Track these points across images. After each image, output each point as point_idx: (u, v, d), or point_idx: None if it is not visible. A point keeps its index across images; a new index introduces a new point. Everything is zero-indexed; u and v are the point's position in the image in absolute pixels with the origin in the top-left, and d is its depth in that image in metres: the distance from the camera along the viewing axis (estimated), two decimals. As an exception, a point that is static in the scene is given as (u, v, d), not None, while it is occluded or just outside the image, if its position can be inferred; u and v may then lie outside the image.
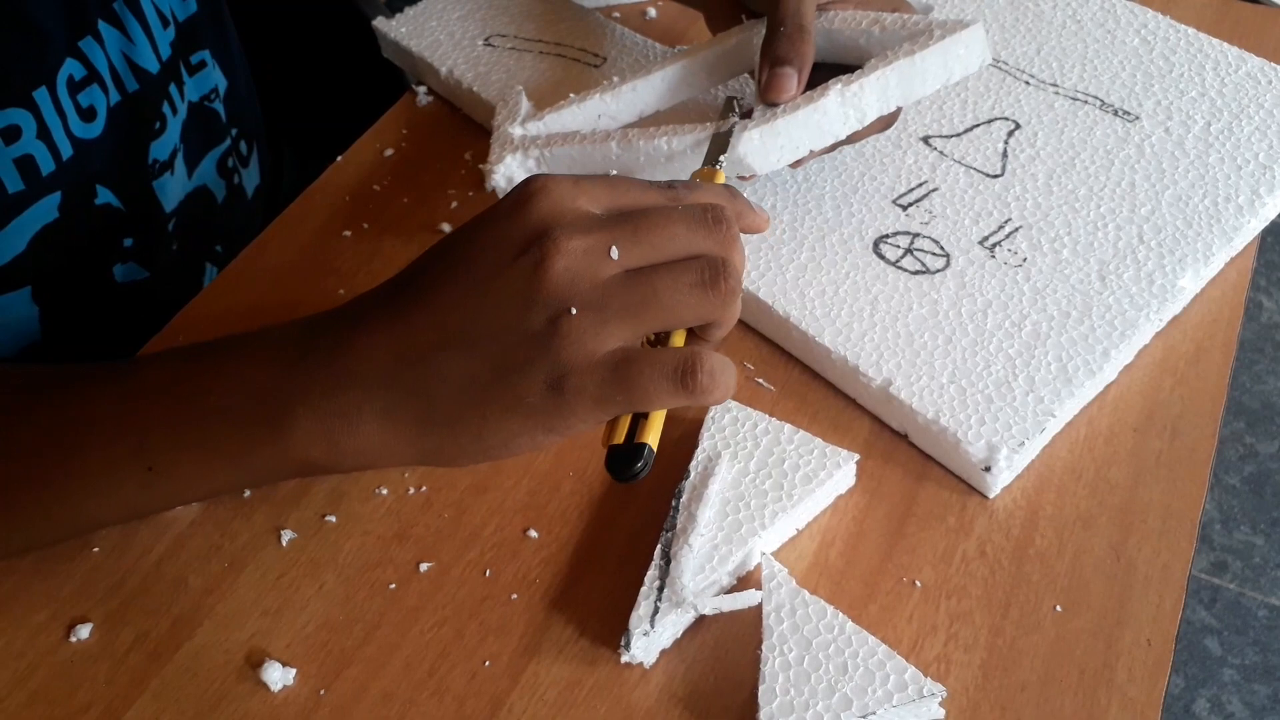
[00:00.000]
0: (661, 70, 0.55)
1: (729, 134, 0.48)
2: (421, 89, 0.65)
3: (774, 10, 0.49)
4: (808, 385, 0.50)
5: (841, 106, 0.49)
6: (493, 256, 0.35)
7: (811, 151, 0.50)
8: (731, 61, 0.56)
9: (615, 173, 0.51)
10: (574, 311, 0.34)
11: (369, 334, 0.36)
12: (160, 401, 0.38)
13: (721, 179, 0.45)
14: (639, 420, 0.36)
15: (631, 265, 0.35)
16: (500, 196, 0.49)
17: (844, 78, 0.49)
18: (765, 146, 0.48)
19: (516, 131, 0.56)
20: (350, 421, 0.35)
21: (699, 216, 0.36)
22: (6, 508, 0.40)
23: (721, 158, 0.47)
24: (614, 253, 0.35)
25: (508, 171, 0.54)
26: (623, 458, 0.35)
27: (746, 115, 0.50)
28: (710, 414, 0.46)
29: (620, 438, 0.35)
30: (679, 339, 0.37)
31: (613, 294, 0.34)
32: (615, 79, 0.56)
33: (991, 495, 0.45)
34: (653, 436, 0.35)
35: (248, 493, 0.46)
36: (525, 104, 0.58)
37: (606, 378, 0.34)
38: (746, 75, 0.57)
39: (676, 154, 0.50)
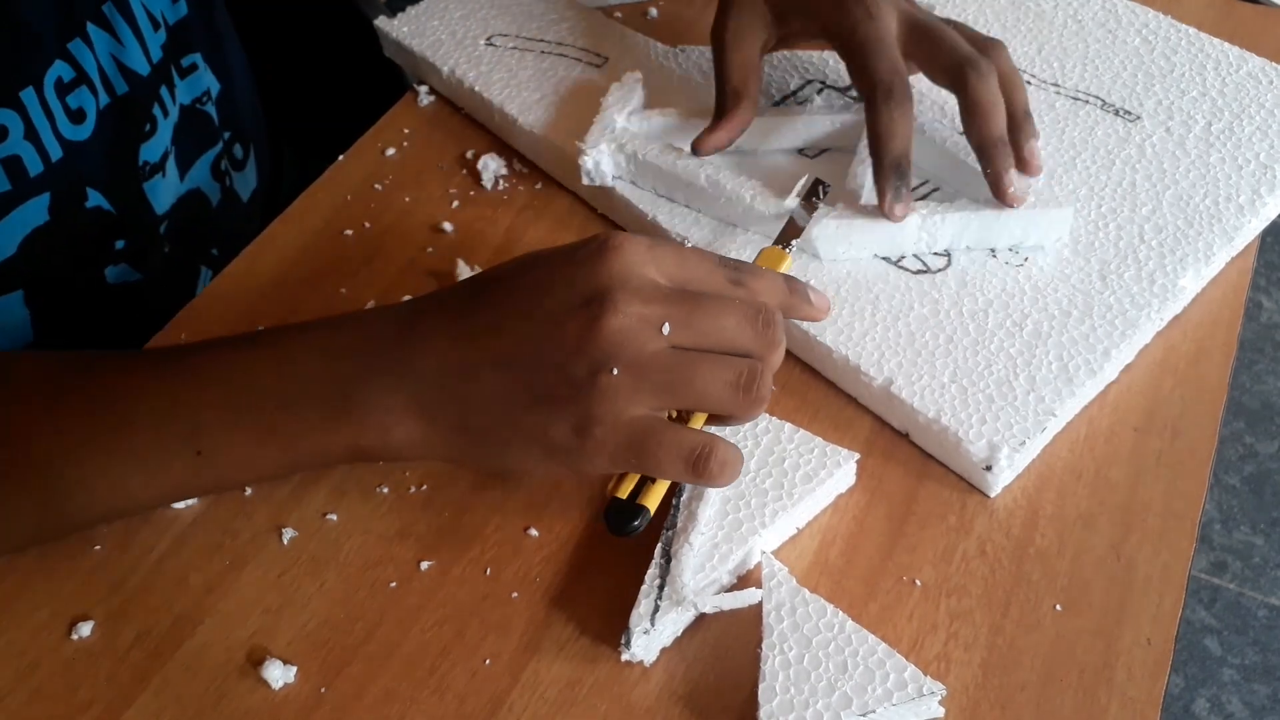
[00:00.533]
0: (775, 119, 0.57)
1: (805, 220, 0.50)
2: (423, 88, 0.65)
3: (866, 92, 0.50)
4: (808, 384, 0.50)
5: (919, 229, 0.51)
6: (559, 297, 0.38)
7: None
8: (848, 135, 0.57)
9: (691, 200, 0.55)
10: (615, 372, 0.37)
11: (431, 337, 0.39)
12: (212, 386, 0.40)
13: (788, 264, 0.48)
14: (645, 481, 0.40)
15: (678, 344, 0.38)
16: (584, 179, 0.52)
17: (932, 204, 0.51)
18: (835, 238, 0.51)
19: (619, 122, 0.57)
20: (400, 417, 0.39)
21: (751, 315, 0.39)
22: (47, 484, 0.41)
23: (794, 242, 0.49)
24: (666, 328, 0.38)
25: (597, 158, 0.55)
26: (623, 514, 0.39)
27: (818, 193, 0.51)
28: (711, 413, 0.46)
29: (624, 492, 0.40)
30: (698, 420, 0.40)
31: (655, 366, 0.37)
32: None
33: (992, 494, 0.45)
34: (654, 501, 0.40)
35: (248, 491, 0.46)
36: (639, 94, 0.58)
37: (627, 440, 0.37)
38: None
39: (755, 211, 0.52)
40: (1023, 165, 0.51)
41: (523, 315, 0.38)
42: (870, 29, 0.50)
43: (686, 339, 0.38)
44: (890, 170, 0.49)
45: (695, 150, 0.54)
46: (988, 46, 0.52)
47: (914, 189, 0.56)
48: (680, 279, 0.39)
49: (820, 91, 0.60)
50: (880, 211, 0.50)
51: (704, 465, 0.38)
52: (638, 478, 0.40)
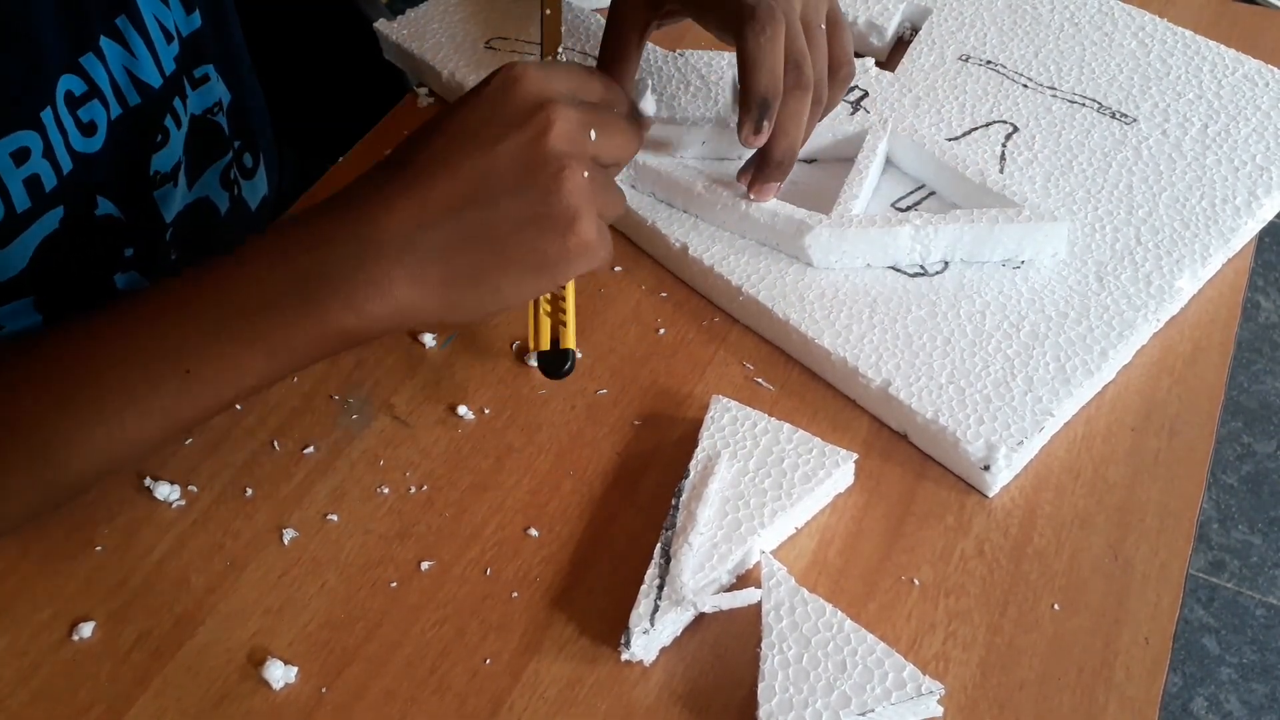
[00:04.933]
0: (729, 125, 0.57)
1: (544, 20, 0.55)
2: (423, 91, 0.65)
3: (743, 74, 0.48)
4: (807, 385, 0.50)
5: (912, 240, 0.51)
6: (496, 128, 0.40)
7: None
8: (847, 146, 0.57)
9: (690, 206, 0.56)
10: (586, 174, 0.40)
11: (388, 204, 0.40)
12: (189, 305, 0.41)
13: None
14: (557, 328, 0.47)
15: (596, 152, 0.42)
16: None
17: (926, 215, 0.51)
18: (829, 247, 0.51)
19: None
20: (380, 288, 0.39)
21: (634, 127, 0.45)
22: (43, 442, 0.41)
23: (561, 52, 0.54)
24: (592, 134, 0.41)
25: None
26: (554, 360, 0.46)
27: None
28: (710, 414, 0.46)
29: (545, 344, 0.47)
30: None
31: (596, 172, 0.41)
32: (734, 118, 0.56)
33: (990, 494, 0.45)
34: (572, 341, 0.47)
35: (249, 492, 0.47)
36: (649, 99, 0.58)
37: (600, 239, 0.41)
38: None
39: (751, 219, 0.53)
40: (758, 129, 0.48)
41: (470, 153, 0.40)
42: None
43: (601, 147, 0.42)
44: (754, 105, 0.47)
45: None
46: (838, 68, 0.50)
47: (909, 194, 0.56)
48: (574, 90, 0.43)
49: None
50: (742, 143, 0.48)
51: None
52: (549, 327, 0.47)
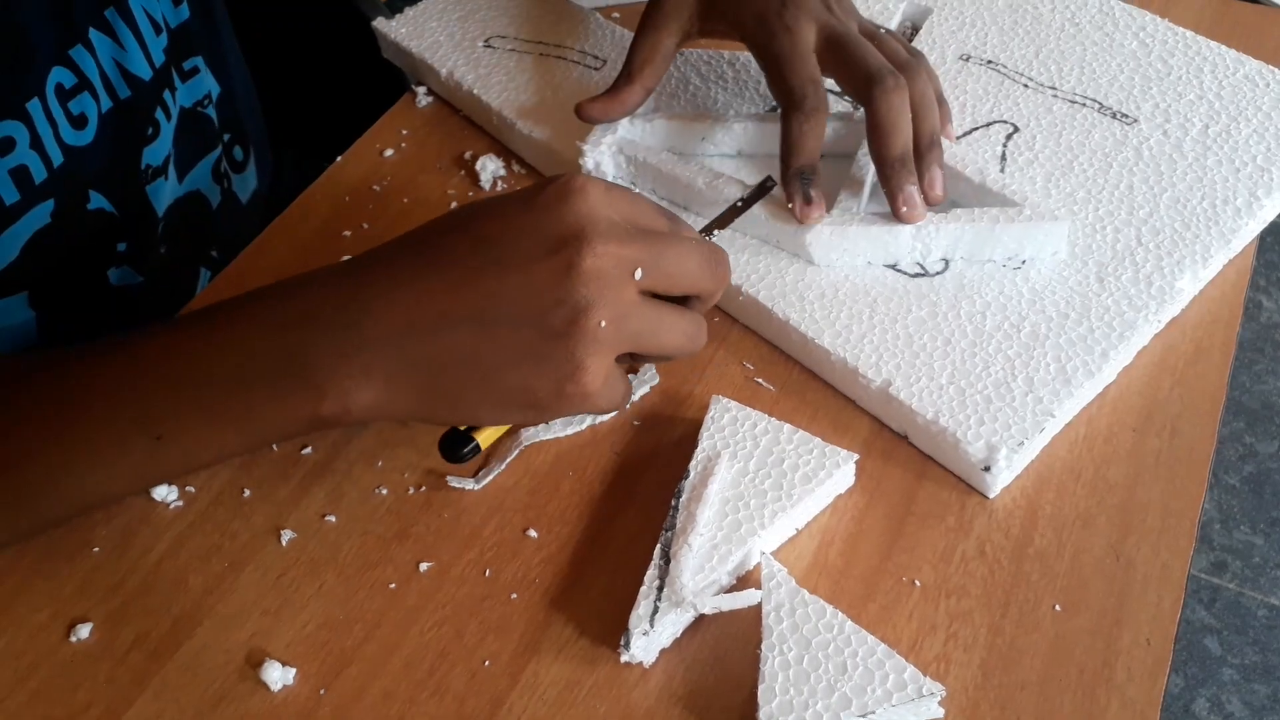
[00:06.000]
0: (775, 124, 0.56)
1: (737, 211, 0.50)
2: (421, 90, 0.65)
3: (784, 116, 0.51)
4: (807, 385, 0.50)
5: (913, 239, 0.51)
6: (525, 245, 0.36)
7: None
8: (846, 141, 0.57)
9: (690, 203, 0.55)
10: (603, 324, 0.36)
11: (385, 296, 0.37)
12: (163, 369, 0.39)
13: None
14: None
15: (648, 289, 0.38)
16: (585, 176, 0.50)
17: (928, 213, 0.51)
18: (830, 244, 0.51)
19: (622, 121, 0.57)
20: (359, 383, 0.37)
21: (709, 256, 0.40)
22: (12, 485, 0.40)
23: (717, 231, 0.49)
24: (638, 273, 0.37)
25: (597, 158, 0.56)
26: (456, 443, 0.41)
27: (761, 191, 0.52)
28: (710, 414, 0.46)
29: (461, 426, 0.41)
30: None
31: (633, 315, 0.37)
32: (732, 113, 0.58)
33: (991, 495, 0.45)
34: (487, 439, 0.41)
35: (247, 493, 0.46)
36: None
37: (604, 387, 0.37)
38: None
39: (750, 215, 0.52)
40: (923, 190, 0.51)
41: (490, 266, 0.36)
42: (785, 43, 0.51)
43: (657, 283, 0.38)
44: (794, 178, 0.51)
45: (576, 112, 0.55)
46: (905, 64, 0.51)
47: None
48: (634, 220, 0.39)
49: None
50: (793, 215, 0.51)
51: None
52: None
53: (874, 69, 0.50)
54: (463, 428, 0.40)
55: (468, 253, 0.37)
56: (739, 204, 0.51)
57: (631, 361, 0.41)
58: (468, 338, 0.36)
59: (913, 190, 0.50)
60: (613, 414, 0.41)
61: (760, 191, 0.51)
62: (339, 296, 0.38)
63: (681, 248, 0.39)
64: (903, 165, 0.50)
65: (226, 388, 0.38)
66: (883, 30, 0.54)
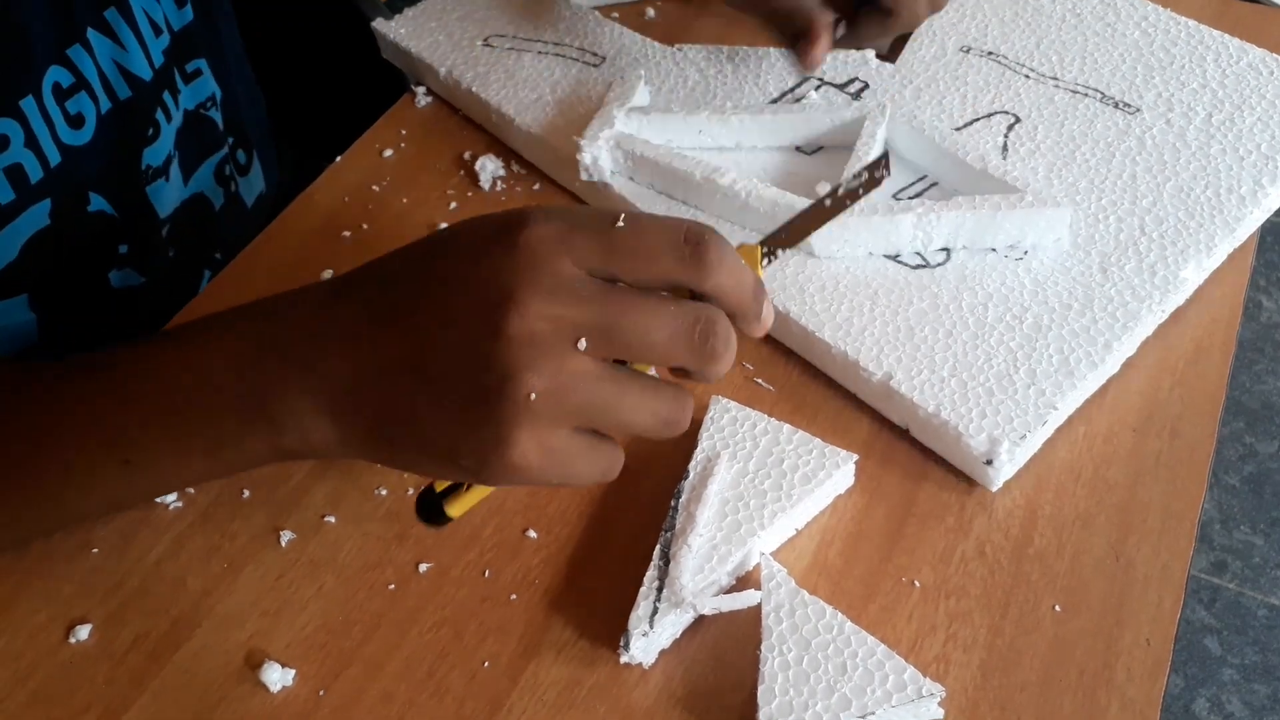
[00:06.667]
0: (772, 115, 0.57)
1: (803, 226, 0.39)
2: (420, 89, 0.65)
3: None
4: (807, 385, 0.49)
5: (914, 227, 0.51)
6: (464, 298, 0.33)
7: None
8: (846, 133, 0.57)
9: (689, 197, 0.55)
10: (533, 396, 0.32)
11: (338, 339, 0.36)
12: (134, 395, 0.39)
13: (759, 267, 0.38)
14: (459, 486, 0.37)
15: (604, 357, 0.33)
16: (582, 174, 0.49)
17: (929, 202, 0.51)
18: (831, 235, 0.51)
19: (619, 116, 0.57)
20: (315, 420, 0.36)
21: (687, 326, 0.33)
22: None
23: (779, 251, 0.38)
24: (581, 344, 0.32)
25: (594, 154, 0.56)
26: (430, 508, 0.37)
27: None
28: (709, 414, 0.46)
29: (440, 486, 0.37)
30: None
31: (577, 388, 0.32)
32: (729, 105, 0.58)
33: (994, 489, 0.45)
34: (458, 509, 0.37)
35: (246, 494, 0.46)
36: (641, 90, 0.59)
37: (541, 464, 0.33)
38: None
39: (751, 207, 0.52)
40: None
41: (429, 316, 0.34)
42: None
43: (611, 352, 0.33)
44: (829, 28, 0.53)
45: (807, 70, 0.56)
46: None
47: (910, 185, 0.56)
48: (606, 269, 0.33)
49: (818, 89, 0.60)
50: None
51: (613, 472, 0.35)
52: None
53: None
54: (438, 489, 0.38)
55: (416, 297, 0.34)
56: (804, 216, 0.39)
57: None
58: (406, 388, 0.34)
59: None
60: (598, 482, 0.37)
61: (873, 176, 0.40)
62: (299, 333, 0.37)
63: (648, 312, 0.32)
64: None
65: (193, 417, 0.38)
66: None
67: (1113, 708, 0.39)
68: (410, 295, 0.35)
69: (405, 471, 0.40)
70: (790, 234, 0.38)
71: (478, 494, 0.37)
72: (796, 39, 0.52)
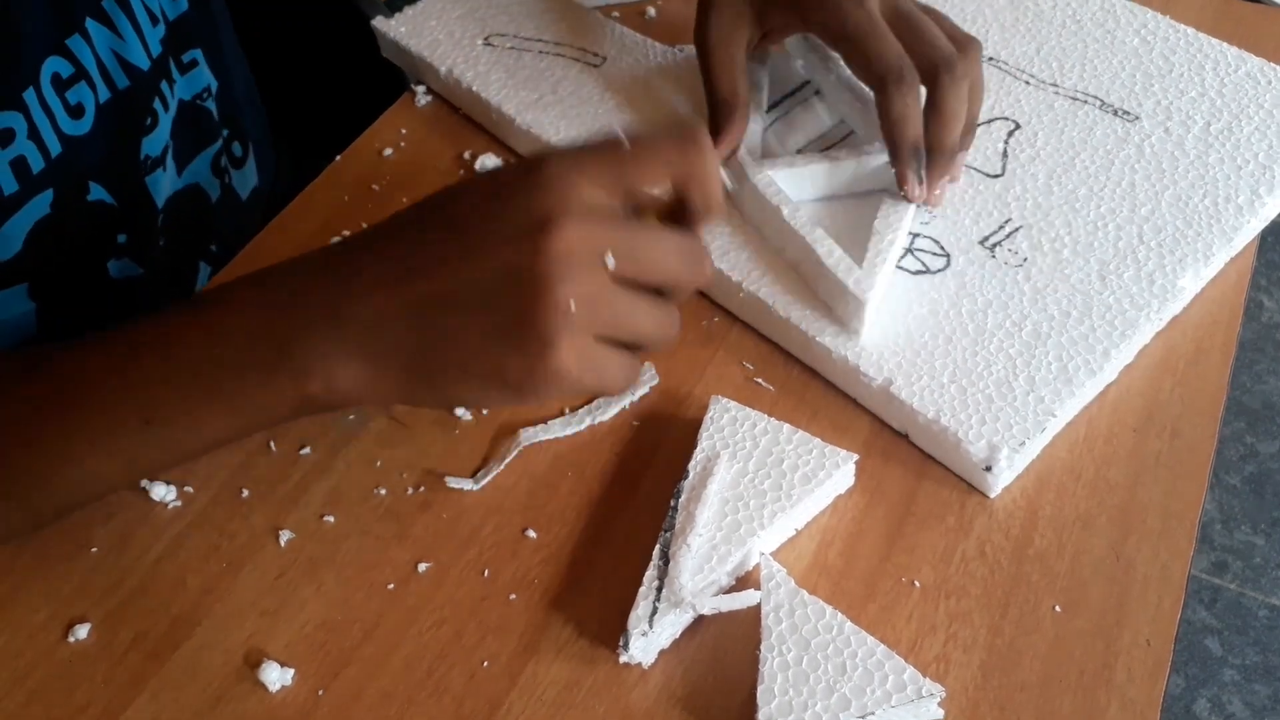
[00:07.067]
0: (759, 122, 0.57)
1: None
2: (420, 89, 0.65)
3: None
4: (807, 385, 0.50)
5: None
6: (496, 228, 0.36)
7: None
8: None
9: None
10: (573, 304, 0.36)
11: (365, 281, 0.38)
12: (154, 354, 0.40)
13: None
14: None
15: (621, 274, 0.37)
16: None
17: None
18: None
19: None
20: (343, 363, 0.37)
21: (688, 250, 0.39)
22: (10, 478, 0.41)
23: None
24: (610, 260, 0.37)
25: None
26: None
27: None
28: (709, 414, 0.46)
29: None
30: None
31: (604, 299, 0.37)
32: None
33: (992, 495, 0.45)
34: None
35: (245, 493, 0.46)
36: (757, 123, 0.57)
37: (580, 368, 0.37)
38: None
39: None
40: (952, 175, 0.52)
41: (463, 250, 0.37)
42: (862, 17, 0.50)
43: (629, 270, 0.37)
44: (909, 155, 0.50)
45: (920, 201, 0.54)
46: (966, 45, 0.51)
47: (827, 134, 0.58)
48: (617, 186, 0.38)
49: (818, 93, 0.60)
50: (906, 198, 0.51)
51: (636, 383, 0.40)
52: None
53: (944, 54, 0.50)
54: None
55: (440, 237, 0.37)
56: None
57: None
58: (442, 320, 0.37)
59: (945, 181, 0.52)
60: (624, 395, 0.42)
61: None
62: (321, 281, 0.38)
63: (659, 237, 0.39)
64: (952, 154, 0.51)
65: (213, 371, 0.39)
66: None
67: (1113, 708, 0.39)
68: (434, 235, 0.38)
69: (440, 406, 0.42)
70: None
71: None
72: (880, 83, 0.50)
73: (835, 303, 0.49)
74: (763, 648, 0.39)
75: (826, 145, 0.58)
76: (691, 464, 0.44)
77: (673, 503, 0.43)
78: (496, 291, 0.36)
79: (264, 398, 0.39)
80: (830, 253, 0.49)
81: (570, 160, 0.37)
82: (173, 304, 0.41)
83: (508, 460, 0.47)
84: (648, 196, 0.39)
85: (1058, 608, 0.42)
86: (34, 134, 0.50)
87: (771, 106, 0.59)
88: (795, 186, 0.54)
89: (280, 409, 0.39)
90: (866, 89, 0.52)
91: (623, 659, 0.40)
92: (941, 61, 0.49)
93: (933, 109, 0.50)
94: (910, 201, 0.51)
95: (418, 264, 0.37)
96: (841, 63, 0.57)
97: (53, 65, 0.51)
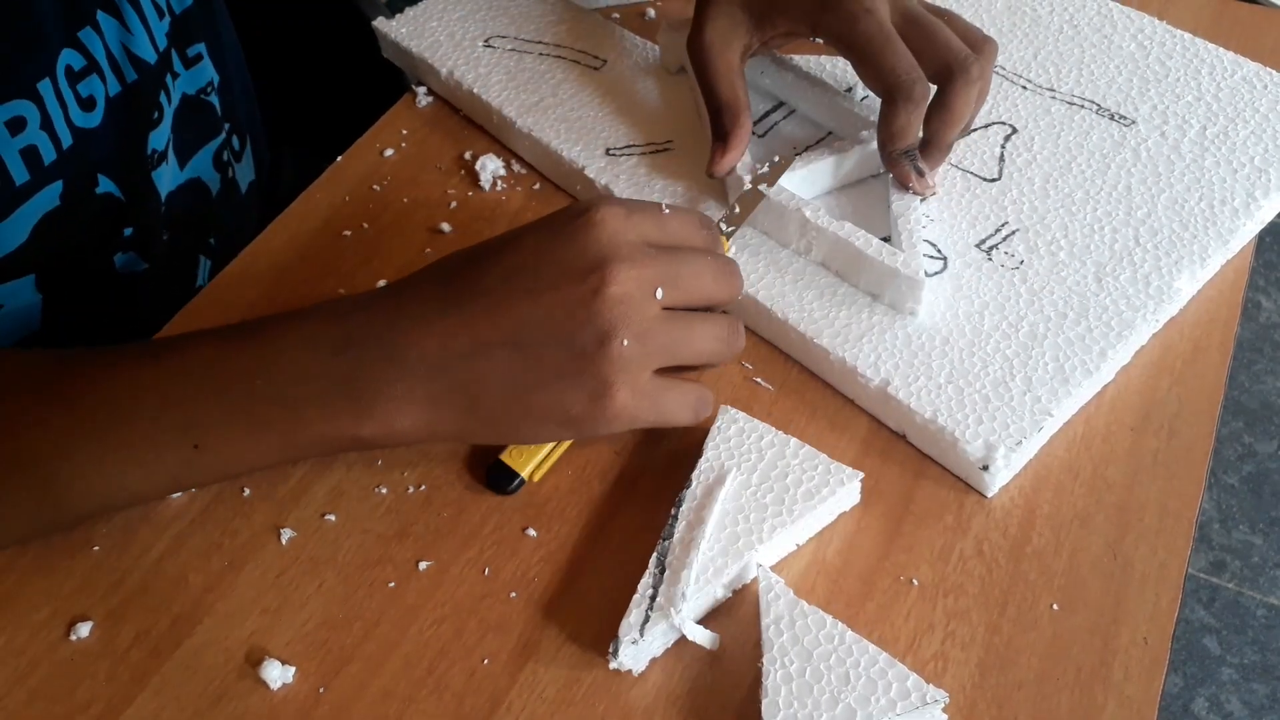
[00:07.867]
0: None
1: (743, 210, 0.51)
2: (421, 90, 0.65)
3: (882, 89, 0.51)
4: (806, 384, 0.50)
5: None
6: (554, 272, 0.39)
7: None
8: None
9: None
10: (625, 342, 0.39)
11: (423, 323, 0.39)
12: (206, 381, 0.40)
13: (727, 245, 0.50)
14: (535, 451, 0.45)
15: (669, 305, 0.41)
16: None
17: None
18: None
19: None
20: (403, 406, 0.39)
21: (720, 268, 0.43)
22: (41, 479, 0.41)
23: (731, 228, 0.50)
24: (659, 293, 0.40)
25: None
26: (502, 475, 0.45)
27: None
28: (717, 424, 0.46)
29: (516, 456, 0.45)
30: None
31: (657, 331, 0.40)
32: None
33: (990, 494, 0.45)
34: (529, 467, 0.45)
35: (247, 491, 0.46)
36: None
37: (639, 403, 0.40)
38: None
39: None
40: (940, 162, 0.53)
41: (522, 294, 0.39)
42: (871, 24, 0.50)
43: (676, 299, 0.41)
44: (902, 159, 0.51)
45: (711, 176, 0.54)
46: (982, 45, 0.52)
47: (769, 114, 0.59)
48: (659, 239, 0.42)
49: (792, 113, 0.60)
50: (912, 192, 0.53)
51: (704, 410, 0.44)
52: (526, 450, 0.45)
53: (958, 55, 0.50)
54: (504, 456, 0.45)
55: (499, 281, 0.40)
56: (744, 200, 0.51)
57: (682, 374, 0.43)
58: (503, 361, 0.39)
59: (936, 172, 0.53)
60: (694, 421, 0.44)
61: (783, 161, 0.52)
62: (377, 324, 0.40)
63: (697, 262, 0.42)
64: (949, 149, 0.52)
65: (268, 405, 0.40)
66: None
67: (1110, 706, 0.39)
68: (492, 280, 0.40)
69: (500, 443, 0.44)
70: (734, 218, 0.51)
71: (549, 456, 0.45)
72: (888, 95, 0.50)
73: (884, 289, 0.50)
74: (765, 660, 0.39)
75: (806, 148, 0.58)
76: (696, 473, 0.44)
77: (673, 511, 0.43)
78: (556, 333, 0.38)
79: (320, 434, 0.40)
80: (869, 243, 0.50)
81: (618, 204, 0.41)
82: (221, 329, 0.42)
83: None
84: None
85: (1055, 606, 0.42)
86: (46, 124, 0.51)
87: (757, 121, 0.59)
88: (803, 186, 0.54)
89: (334, 445, 0.41)
90: (837, 87, 0.53)
91: (612, 665, 0.40)
92: (956, 64, 0.50)
93: (941, 107, 0.50)
94: (914, 194, 0.52)
95: (479, 307, 0.39)
96: (808, 74, 0.58)
97: (66, 57, 0.52)
